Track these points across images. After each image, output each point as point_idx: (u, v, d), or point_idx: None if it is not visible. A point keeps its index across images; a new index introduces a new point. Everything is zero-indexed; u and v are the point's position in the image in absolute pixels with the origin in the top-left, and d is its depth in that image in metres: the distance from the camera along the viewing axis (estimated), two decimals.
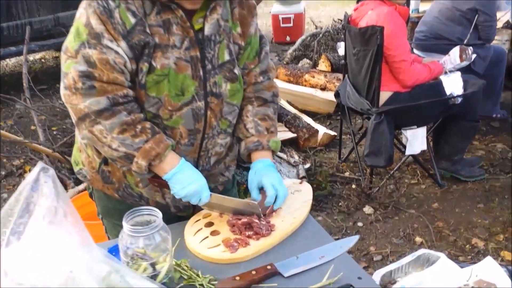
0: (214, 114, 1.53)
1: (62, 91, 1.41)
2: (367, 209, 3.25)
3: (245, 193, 3.35)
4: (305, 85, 4.99)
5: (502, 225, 3.03)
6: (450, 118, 3.32)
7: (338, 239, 3.00)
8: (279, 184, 1.56)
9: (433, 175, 3.49)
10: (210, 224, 1.54)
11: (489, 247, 2.84)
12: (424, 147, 3.23)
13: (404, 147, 3.31)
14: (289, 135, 3.97)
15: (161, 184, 1.51)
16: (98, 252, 1.14)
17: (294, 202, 1.64)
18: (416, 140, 3.17)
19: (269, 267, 1.36)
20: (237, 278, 1.31)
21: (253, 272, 1.33)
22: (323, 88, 4.86)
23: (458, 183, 3.51)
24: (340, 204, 3.32)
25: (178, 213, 1.67)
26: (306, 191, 1.71)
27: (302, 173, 3.37)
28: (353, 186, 3.52)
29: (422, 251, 2.17)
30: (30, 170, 3.84)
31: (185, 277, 1.34)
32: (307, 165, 3.59)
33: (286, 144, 3.89)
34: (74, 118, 1.42)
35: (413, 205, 3.30)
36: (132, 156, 1.42)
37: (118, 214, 1.41)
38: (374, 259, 2.82)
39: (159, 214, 1.28)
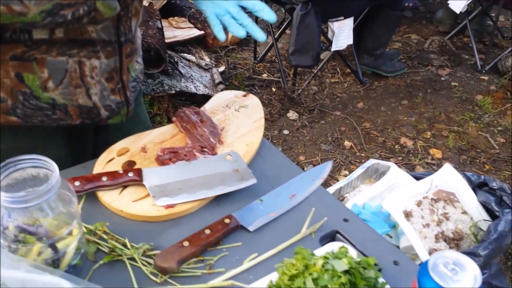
0: None
1: None
2: (292, 115, 2.95)
3: (151, 104, 2.84)
4: None
5: (428, 122, 2.93)
6: (375, 8, 3.02)
7: None
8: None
9: (355, 72, 3.26)
10: (130, 164, 1.08)
11: (418, 145, 2.74)
12: (351, 41, 2.92)
13: (327, 43, 2.97)
14: (195, 32, 3.40)
15: None
16: None
17: (242, 122, 1.22)
18: (342, 33, 2.84)
19: (227, 220, 0.97)
20: (186, 243, 0.90)
21: (207, 231, 0.93)
22: None
23: (380, 79, 3.33)
24: None
25: (110, 120, 1.17)
26: (254, 106, 1.29)
27: (217, 77, 2.91)
28: (273, 89, 3.17)
29: (370, 161, 1.93)
30: None
31: (106, 250, 0.90)
32: (222, 68, 3.13)
33: (193, 43, 3.35)
34: None
35: (338, 107, 3.06)
36: None
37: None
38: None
39: (53, 165, 0.79)
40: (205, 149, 1.09)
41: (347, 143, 2.76)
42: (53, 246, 0.80)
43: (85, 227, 0.93)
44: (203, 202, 1.01)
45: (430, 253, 1.55)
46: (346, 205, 1.76)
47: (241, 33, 1.08)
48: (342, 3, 2.78)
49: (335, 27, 2.80)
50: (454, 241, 1.66)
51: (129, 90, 1.20)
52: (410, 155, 2.68)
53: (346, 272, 0.83)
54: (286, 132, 2.83)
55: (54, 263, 0.81)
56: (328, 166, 1.16)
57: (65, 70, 1.04)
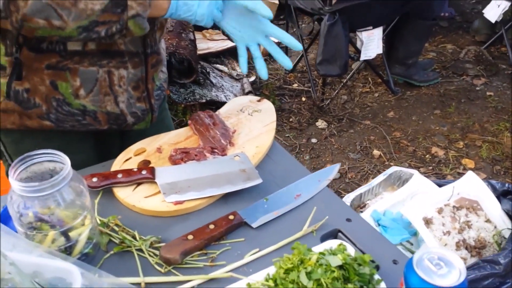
0: None
1: None
2: (320, 124, 2.97)
3: (184, 113, 2.94)
4: None
5: (461, 131, 2.87)
6: (405, 18, 3.01)
7: None
8: (274, 31, 1.14)
9: (386, 81, 3.24)
10: (146, 163, 1.15)
11: (450, 155, 2.68)
12: (380, 50, 2.92)
13: (357, 53, 2.98)
14: (228, 44, 3.49)
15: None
16: None
17: (254, 126, 1.27)
18: (371, 43, 2.85)
19: (231, 216, 1.01)
20: (190, 236, 0.96)
21: (211, 226, 0.98)
22: None
23: (412, 89, 3.29)
24: (291, 119, 3.00)
25: (135, 126, 1.26)
26: (267, 110, 1.34)
27: (247, 87, 2.98)
28: (303, 98, 3.20)
29: (393, 168, 1.93)
30: None
31: (117, 241, 0.97)
32: (252, 78, 3.19)
33: (226, 54, 3.44)
34: None
35: (368, 116, 3.05)
36: None
37: None
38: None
39: (66, 159, 0.86)
40: (215, 150, 1.14)
41: (376, 152, 2.75)
42: (65, 234, 0.87)
43: (100, 220, 1.00)
44: (210, 200, 1.06)
45: None
46: (366, 211, 1.77)
47: (263, 74, 1.16)
48: (369, 13, 2.79)
49: (363, 37, 2.81)
50: (476, 249, 1.63)
51: (154, 98, 1.28)
52: (441, 165, 2.63)
53: (340, 267, 0.85)
54: (314, 140, 2.85)
55: (67, 251, 0.88)
56: (335, 168, 1.18)
57: (95, 79, 1.13)
